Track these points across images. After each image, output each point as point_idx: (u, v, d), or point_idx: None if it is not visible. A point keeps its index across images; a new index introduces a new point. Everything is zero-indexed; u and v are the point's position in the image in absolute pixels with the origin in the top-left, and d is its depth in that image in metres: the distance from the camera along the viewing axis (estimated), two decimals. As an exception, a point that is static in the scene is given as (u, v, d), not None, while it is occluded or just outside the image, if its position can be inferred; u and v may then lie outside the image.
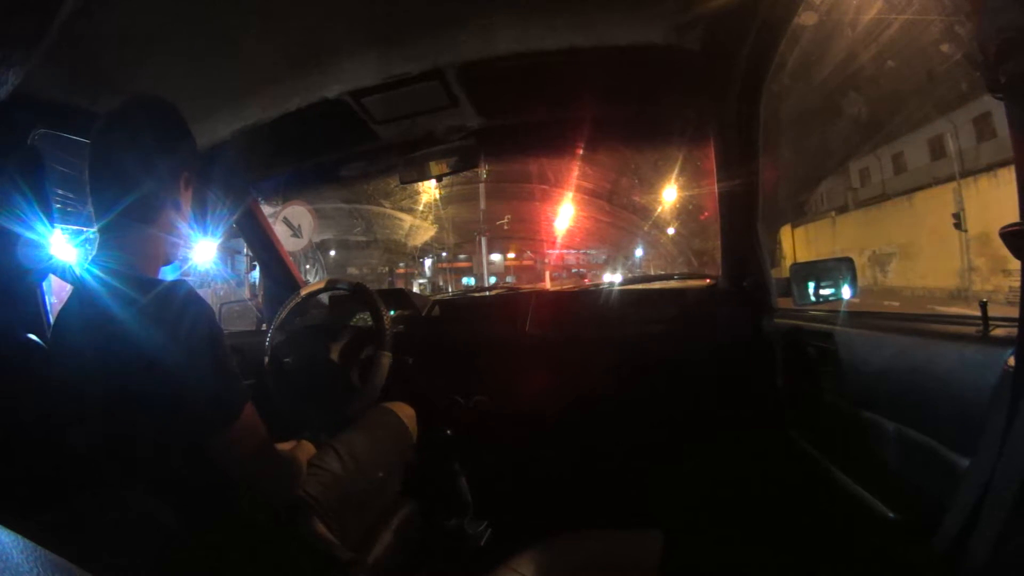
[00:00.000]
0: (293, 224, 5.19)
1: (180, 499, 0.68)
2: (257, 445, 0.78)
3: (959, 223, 12.09)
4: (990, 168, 11.23)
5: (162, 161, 0.79)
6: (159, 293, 0.72)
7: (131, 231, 0.77)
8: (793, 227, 17.14)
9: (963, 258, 11.99)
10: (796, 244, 16.79)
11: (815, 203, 17.58)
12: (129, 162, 0.76)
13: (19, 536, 0.29)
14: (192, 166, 0.85)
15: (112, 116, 0.79)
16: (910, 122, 13.48)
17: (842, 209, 16.76)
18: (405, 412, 1.36)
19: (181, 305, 0.71)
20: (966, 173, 12.12)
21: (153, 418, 0.68)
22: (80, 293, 0.76)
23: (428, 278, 14.51)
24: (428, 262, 14.51)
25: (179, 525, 0.67)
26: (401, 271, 13.49)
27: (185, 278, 0.80)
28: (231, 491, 0.75)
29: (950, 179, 12.57)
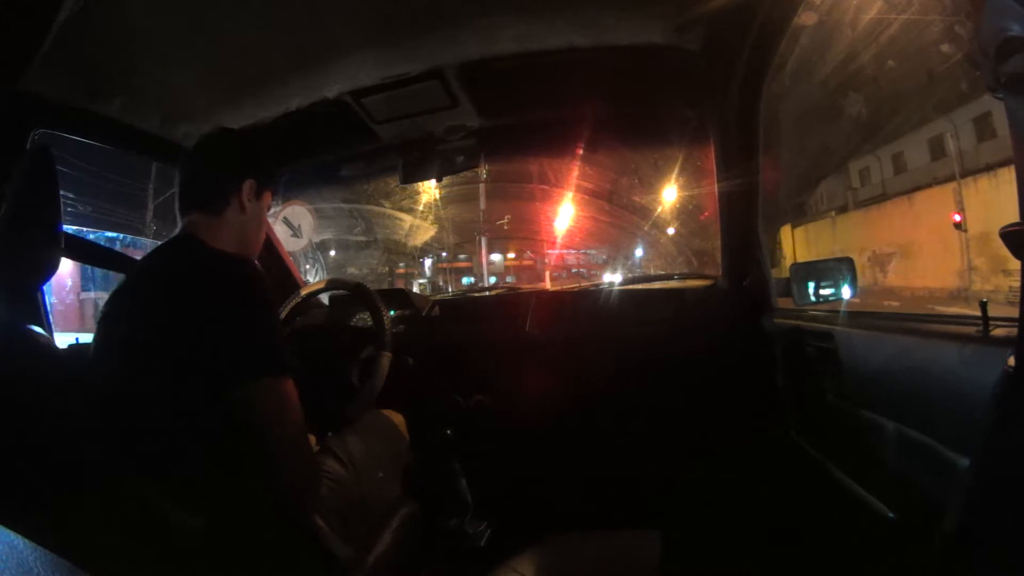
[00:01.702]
0: (293, 224, 5.19)
1: (184, 494, 0.68)
2: (289, 421, 0.78)
3: (959, 223, 12.08)
4: (990, 168, 11.23)
5: (223, 162, 0.95)
6: (223, 258, 0.84)
7: (201, 221, 0.91)
8: (793, 227, 17.07)
9: (963, 258, 11.95)
10: (796, 244, 16.74)
11: (815, 203, 17.54)
12: (198, 162, 0.96)
13: (19, 536, 0.29)
14: (261, 179, 0.97)
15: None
16: (910, 122, 13.46)
17: (842, 209, 16.71)
18: (396, 418, 1.36)
19: (244, 269, 0.82)
20: (966, 173, 12.11)
21: (189, 367, 0.73)
22: (155, 263, 0.90)
23: (428, 278, 14.48)
24: (428, 262, 14.48)
25: (181, 525, 0.67)
26: (401, 271, 13.46)
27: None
28: (238, 482, 0.75)
29: (950, 179, 12.54)
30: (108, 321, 0.86)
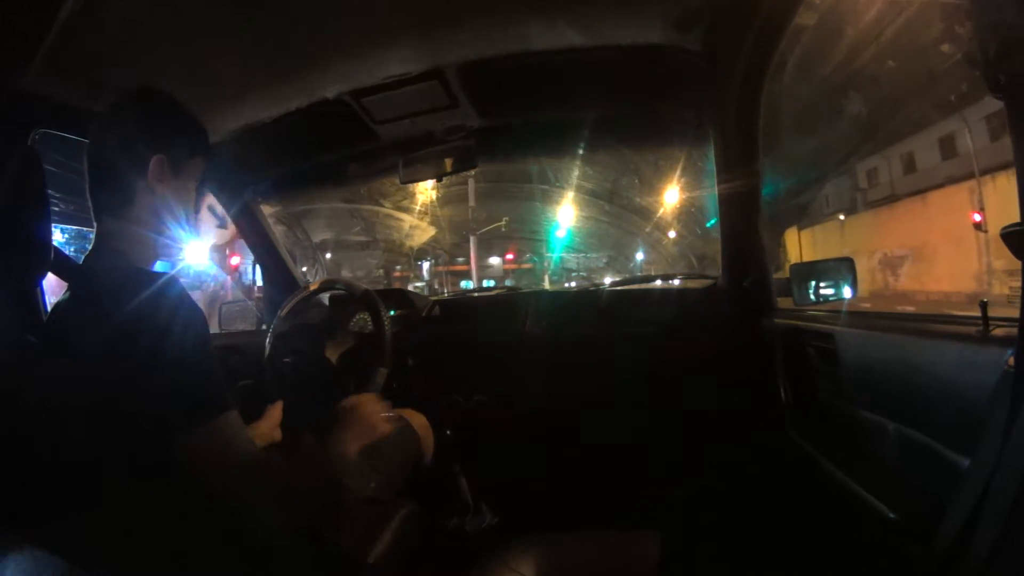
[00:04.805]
0: (217, 213, 5.08)
1: (174, 501, 0.68)
2: (237, 463, 0.71)
3: (980, 224, 11.34)
4: (1009, 166, 10.81)
5: (121, 146, 0.79)
6: (143, 284, 0.71)
7: (111, 225, 0.79)
8: (800, 229, 16.53)
9: (982, 260, 11.24)
10: (803, 247, 16.16)
11: (822, 205, 17.06)
12: (95, 152, 0.79)
13: (19, 536, 0.29)
14: (174, 150, 0.82)
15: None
16: (919, 121, 12.90)
17: (851, 210, 16.16)
18: (418, 421, 1.35)
19: (163, 297, 0.71)
20: (982, 171, 11.45)
21: (133, 414, 0.66)
22: (72, 288, 0.77)
23: (426, 281, 14.34)
24: (426, 265, 14.38)
25: (177, 526, 0.67)
26: (398, 274, 13.39)
27: (174, 274, 0.79)
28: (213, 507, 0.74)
29: (966, 177, 11.87)
30: (51, 340, 0.76)
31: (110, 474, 0.63)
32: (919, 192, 13.59)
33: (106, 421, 0.66)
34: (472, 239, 11.43)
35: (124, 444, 0.66)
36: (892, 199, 14.71)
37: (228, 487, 0.70)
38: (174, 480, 0.68)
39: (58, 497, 0.59)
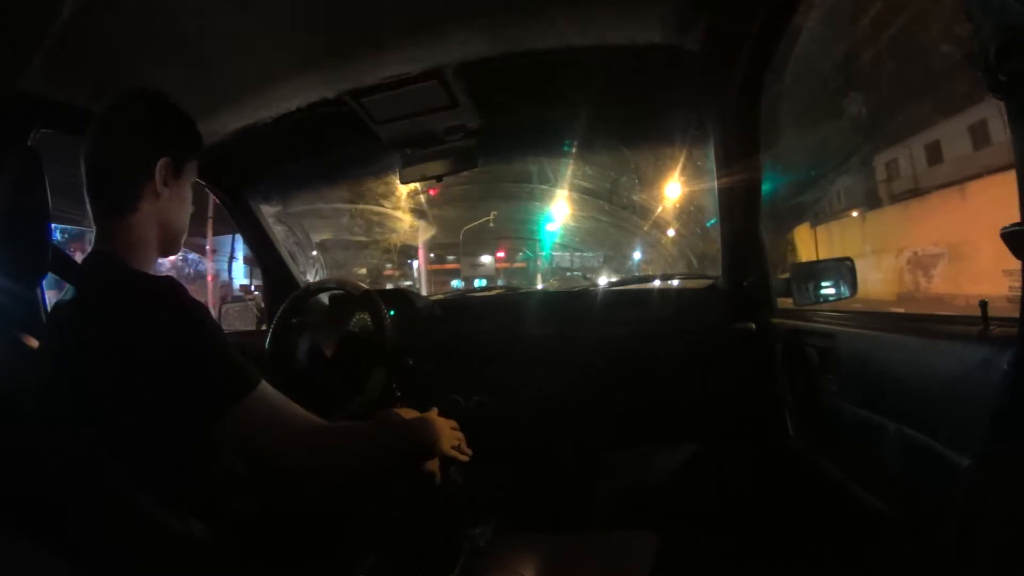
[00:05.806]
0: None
1: (175, 500, 0.68)
2: (289, 423, 0.73)
3: None
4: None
5: (127, 147, 0.79)
6: (146, 287, 0.73)
7: (111, 225, 0.79)
8: (814, 226, 15.44)
9: None
10: (819, 245, 14.76)
11: (835, 200, 15.91)
12: (97, 153, 0.80)
13: (20, 536, 0.29)
14: (178, 152, 0.83)
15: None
16: (949, 106, 12.11)
17: (873, 204, 14.42)
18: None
19: (168, 296, 0.71)
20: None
21: (148, 415, 0.67)
22: (72, 289, 0.78)
23: (414, 280, 14.10)
24: (416, 264, 14.18)
25: (178, 526, 0.67)
26: (388, 273, 13.21)
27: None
28: (233, 490, 0.74)
29: (1010, 167, 10.92)
30: (50, 341, 0.76)
31: (131, 476, 0.63)
32: (957, 182, 11.64)
33: (128, 420, 0.66)
34: (422, 223, 10.38)
35: (146, 443, 0.66)
36: (919, 192, 12.86)
37: (287, 448, 0.72)
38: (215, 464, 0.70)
39: (65, 499, 0.59)
